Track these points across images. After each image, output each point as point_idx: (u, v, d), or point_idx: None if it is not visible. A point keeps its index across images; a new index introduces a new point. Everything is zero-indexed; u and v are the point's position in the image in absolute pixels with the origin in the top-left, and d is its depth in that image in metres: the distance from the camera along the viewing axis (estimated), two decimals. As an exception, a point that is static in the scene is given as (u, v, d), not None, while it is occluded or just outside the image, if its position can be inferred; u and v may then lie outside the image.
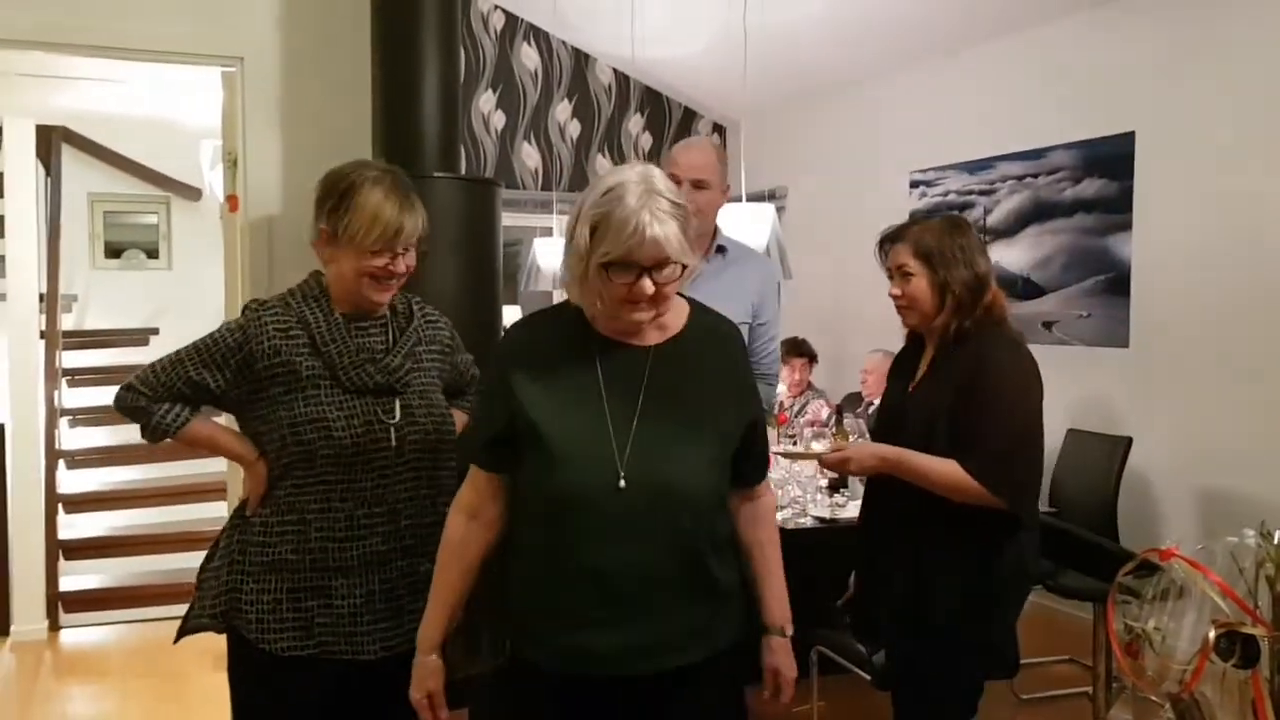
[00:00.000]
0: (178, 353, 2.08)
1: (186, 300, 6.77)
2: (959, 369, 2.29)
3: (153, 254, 7.35)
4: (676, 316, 1.81)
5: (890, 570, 2.38)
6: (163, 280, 7.23)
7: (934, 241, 2.35)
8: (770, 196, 6.80)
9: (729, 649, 1.80)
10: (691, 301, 1.86)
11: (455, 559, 1.84)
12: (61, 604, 5.65)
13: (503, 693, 1.86)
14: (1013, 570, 2.31)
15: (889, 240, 2.46)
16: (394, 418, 2.06)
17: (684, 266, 1.70)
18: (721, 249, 3.02)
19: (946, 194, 6.06)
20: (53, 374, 6.16)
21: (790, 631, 1.91)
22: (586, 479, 1.69)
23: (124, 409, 2.08)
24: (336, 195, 2.02)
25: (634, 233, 1.63)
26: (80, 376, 6.64)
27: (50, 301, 6.19)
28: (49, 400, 6.02)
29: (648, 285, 1.67)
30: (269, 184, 3.25)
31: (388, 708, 2.01)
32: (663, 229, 1.65)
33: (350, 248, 2.01)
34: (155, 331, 7.04)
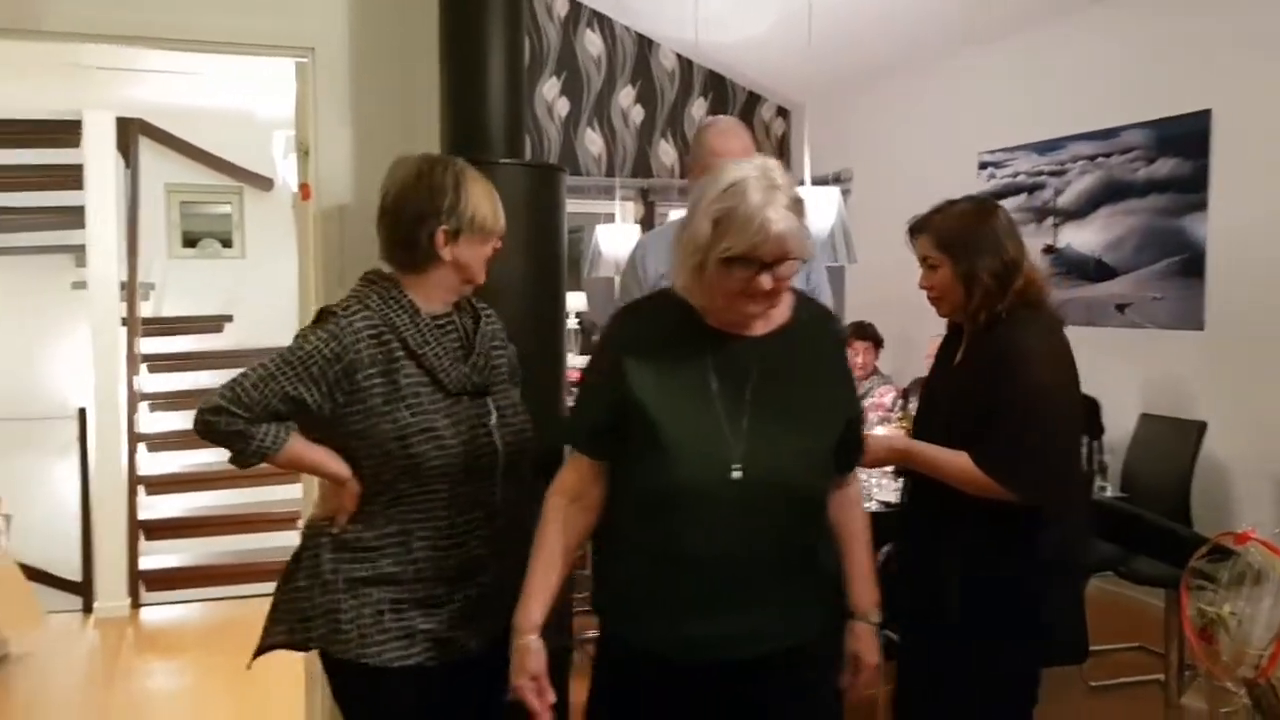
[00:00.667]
0: (266, 367, 1.93)
1: (259, 287, 6.92)
2: (984, 356, 2.22)
3: (227, 243, 7.52)
4: (782, 308, 1.82)
5: (915, 560, 2.34)
6: (236, 268, 7.39)
7: (957, 230, 2.25)
8: (835, 180, 6.74)
9: (828, 633, 1.84)
10: (795, 292, 1.85)
11: (556, 540, 1.83)
12: (142, 582, 5.84)
13: (598, 674, 1.87)
14: (1051, 561, 2.22)
15: (914, 231, 2.40)
16: (491, 419, 2.02)
17: (797, 262, 1.70)
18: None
19: (1016, 175, 5.97)
20: (132, 359, 6.34)
21: (877, 619, 1.91)
22: (698, 470, 1.69)
23: (218, 434, 1.90)
24: (451, 190, 1.99)
25: (759, 230, 1.64)
26: (158, 362, 6.83)
27: (130, 289, 6.36)
28: (129, 385, 6.20)
29: (767, 281, 1.68)
30: (339, 173, 3.30)
31: (488, 699, 1.99)
32: (786, 225, 1.65)
33: (477, 236, 2.00)
34: (229, 318, 7.20)
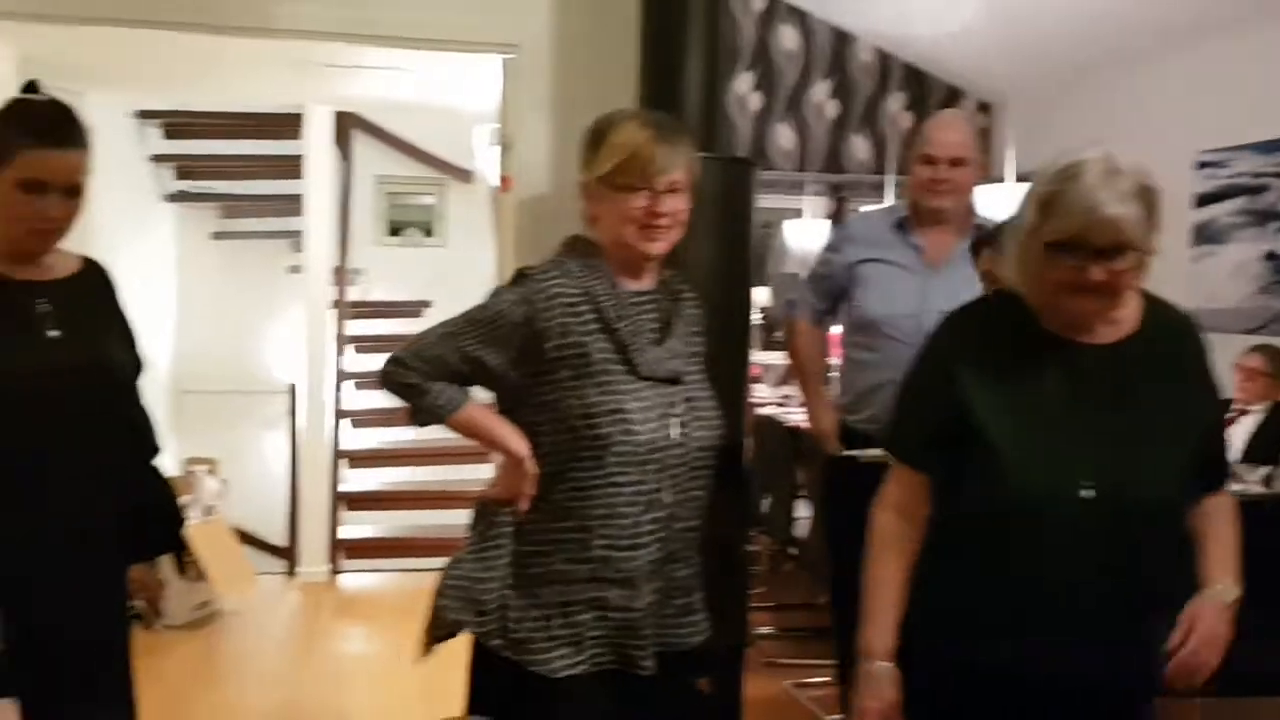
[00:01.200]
0: (448, 325, 1.87)
1: (457, 276, 7.19)
2: None
3: (429, 232, 7.85)
4: (1129, 311, 1.64)
5: None
6: (437, 257, 7.71)
7: None
8: (1037, 178, 6.48)
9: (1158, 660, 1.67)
10: (1146, 295, 1.68)
11: (895, 558, 1.71)
12: (342, 550, 6.19)
13: (915, 681, 1.73)
14: None
15: (976, 244, 2.30)
16: (678, 410, 1.85)
17: (1142, 256, 1.54)
18: (979, 228, 2.94)
19: (1237, 176, 5.58)
20: (340, 340, 6.72)
21: (1231, 596, 1.67)
22: (1043, 487, 1.56)
23: (393, 386, 1.86)
24: (592, 138, 1.87)
25: (1088, 210, 1.51)
26: (362, 344, 7.21)
27: (339, 275, 6.74)
28: (336, 364, 6.58)
29: (1098, 272, 1.52)
30: (538, 165, 3.41)
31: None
32: (1123, 209, 1.51)
33: (608, 191, 1.83)
34: (428, 304, 7.52)
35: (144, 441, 2.20)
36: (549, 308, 1.80)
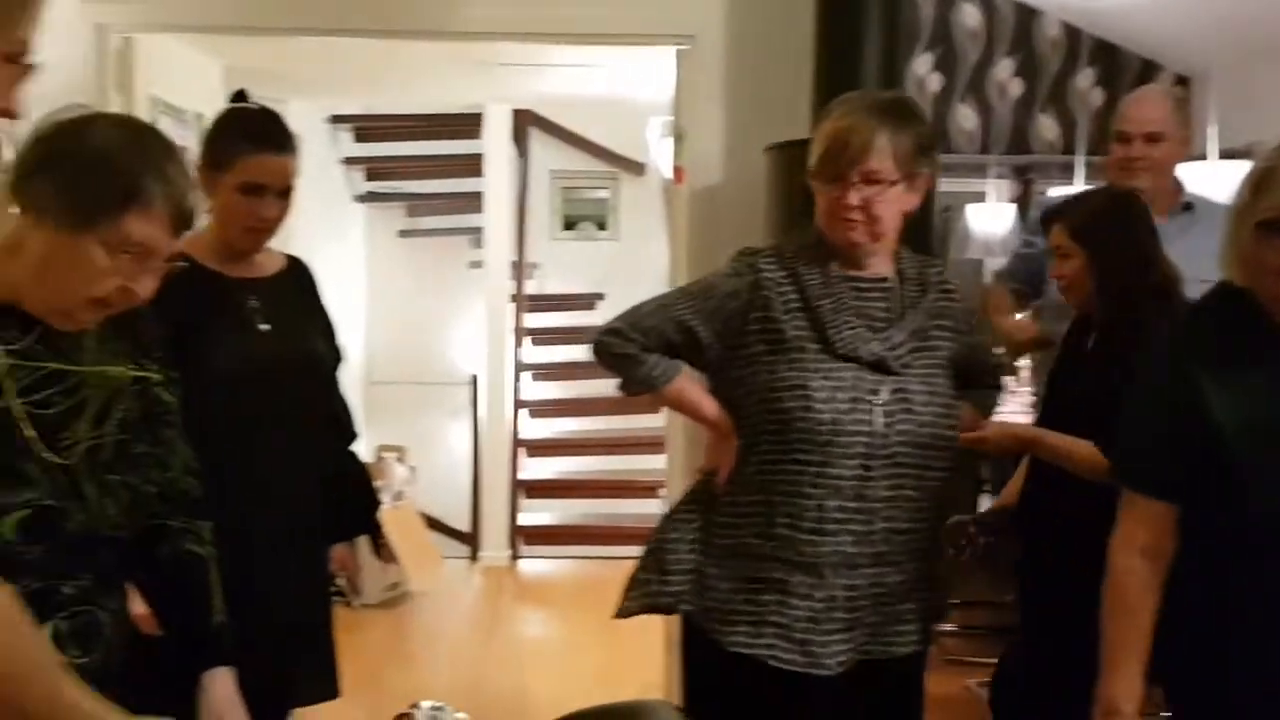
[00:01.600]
0: (664, 297, 1.94)
1: (630, 268, 7.28)
2: (1116, 345, 2.11)
3: (602, 225, 7.96)
4: None
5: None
6: (610, 250, 7.81)
7: (1091, 220, 2.22)
8: (1246, 154, 6.05)
9: None
10: None
11: (1144, 609, 1.54)
12: (521, 536, 6.37)
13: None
14: None
15: (1046, 219, 2.29)
16: (880, 399, 1.79)
17: None
18: (1188, 206, 2.78)
19: None
20: (518, 332, 6.91)
21: None
22: None
23: (608, 356, 1.88)
24: (816, 126, 1.89)
25: None
26: (539, 336, 7.38)
27: (518, 269, 6.92)
28: (515, 356, 6.77)
29: None
30: (712, 156, 3.41)
31: None
32: None
33: (816, 183, 1.83)
34: (601, 296, 7.64)
35: (344, 429, 2.33)
36: (756, 283, 1.83)
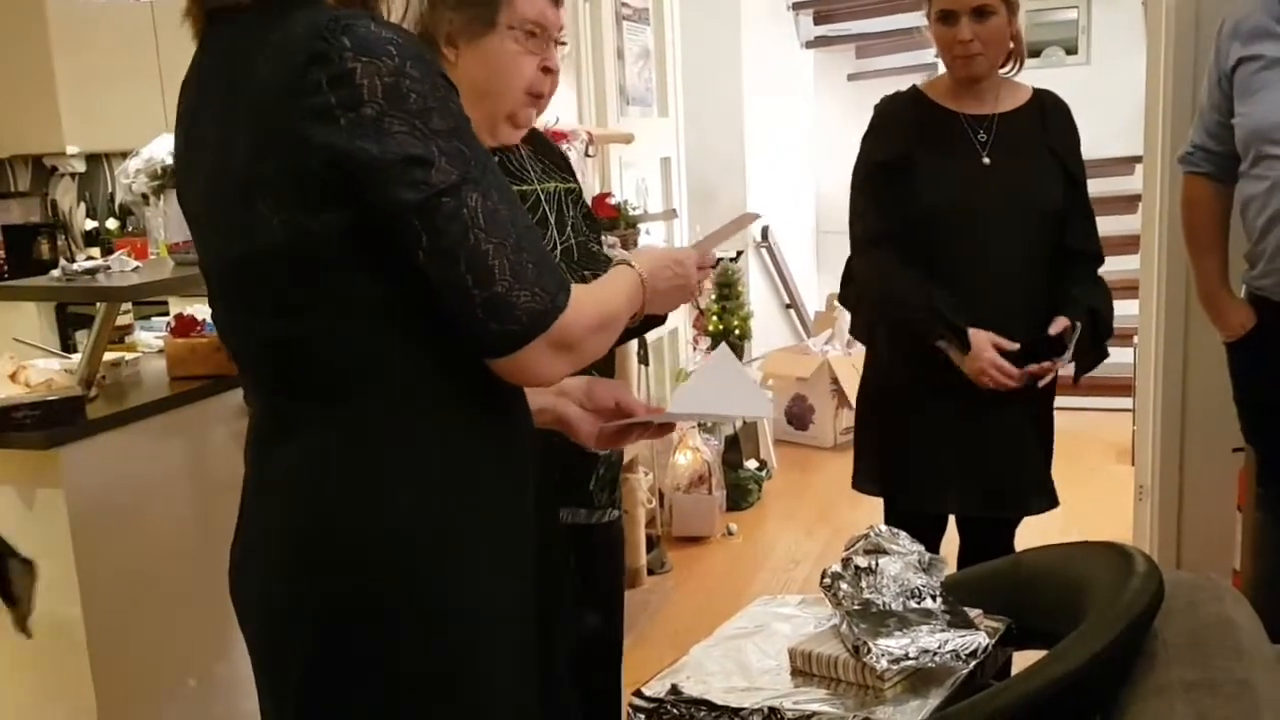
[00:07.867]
0: None
1: (1101, 95, 6.66)
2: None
3: (1071, 50, 7.36)
4: None
5: None
6: (1079, 75, 7.19)
7: None
8: None
9: None
10: None
11: None
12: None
13: None
14: None
15: None
16: None
17: None
18: None
19: None
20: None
21: None
22: None
23: None
24: None
25: None
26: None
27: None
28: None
29: None
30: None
31: None
32: None
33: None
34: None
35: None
36: None
